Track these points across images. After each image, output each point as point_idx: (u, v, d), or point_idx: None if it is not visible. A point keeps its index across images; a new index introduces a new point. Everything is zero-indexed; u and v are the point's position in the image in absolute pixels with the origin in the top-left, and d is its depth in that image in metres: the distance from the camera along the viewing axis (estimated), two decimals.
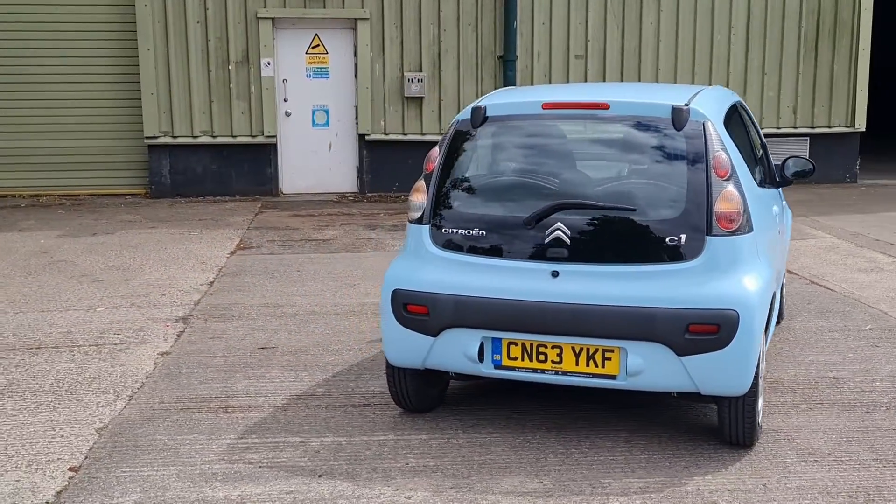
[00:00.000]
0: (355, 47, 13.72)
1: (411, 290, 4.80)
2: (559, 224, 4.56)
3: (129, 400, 5.49)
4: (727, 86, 13.98)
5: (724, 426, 4.57)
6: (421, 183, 4.96)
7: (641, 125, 4.74)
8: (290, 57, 13.78)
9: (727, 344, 4.30)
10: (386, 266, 4.88)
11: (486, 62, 13.78)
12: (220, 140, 13.71)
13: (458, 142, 4.97)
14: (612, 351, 4.45)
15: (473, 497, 4.19)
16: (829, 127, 14.30)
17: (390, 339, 4.90)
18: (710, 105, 4.86)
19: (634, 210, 4.53)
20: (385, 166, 13.91)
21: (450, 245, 4.80)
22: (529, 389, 5.35)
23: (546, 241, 4.58)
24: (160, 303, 7.80)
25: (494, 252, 4.71)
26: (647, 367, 4.39)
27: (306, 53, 13.81)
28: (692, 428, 4.97)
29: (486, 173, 5.00)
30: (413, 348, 4.83)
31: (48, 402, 5.46)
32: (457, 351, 4.69)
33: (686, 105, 4.67)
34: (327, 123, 13.97)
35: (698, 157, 4.54)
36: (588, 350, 4.49)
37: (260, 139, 13.74)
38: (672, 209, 4.51)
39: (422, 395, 5.10)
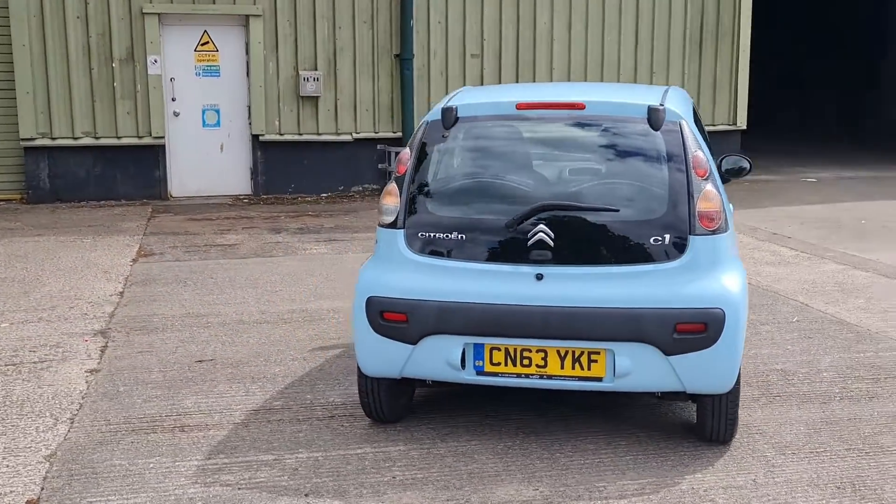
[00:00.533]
0: (247, 45, 13.33)
1: (388, 296, 4.63)
2: (542, 226, 4.47)
3: (71, 423, 5.11)
4: None
5: (706, 424, 4.58)
6: (392, 186, 4.78)
7: (617, 125, 4.70)
8: (179, 54, 13.28)
9: (714, 342, 4.31)
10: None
11: (383, 61, 13.61)
12: (104, 142, 13.08)
13: (429, 143, 4.82)
14: (599, 353, 4.40)
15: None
16: (714, 125, 14.75)
17: (365, 348, 4.71)
18: (680, 105, 4.87)
19: (618, 211, 4.49)
20: (280, 167, 13.58)
21: (427, 249, 4.65)
22: (495, 392, 5.24)
23: (529, 243, 4.48)
24: (70, 316, 7.34)
25: (475, 256, 4.59)
26: (634, 368, 4.36)
27: (195, 51, 13.34)
28: (666, 427, 4.97)
29: (461, 175, 4.86)
30: (390, 357, 4.66)
31: None
32: (437, 358, 4.55)
33: (661, 105, 4.66)
34: (218, 124, 13.53)
35: (677, 157, 4.54)
36: (574, 353, 4.42)
37: (147, 140, 13.18)
38: (654, 209, 4.49)
39: (394, 404, 4.93)
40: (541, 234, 4.47)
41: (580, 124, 4.78)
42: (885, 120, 20.46)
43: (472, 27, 13.79)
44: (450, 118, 4.79)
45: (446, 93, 13.78)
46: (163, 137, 13.21)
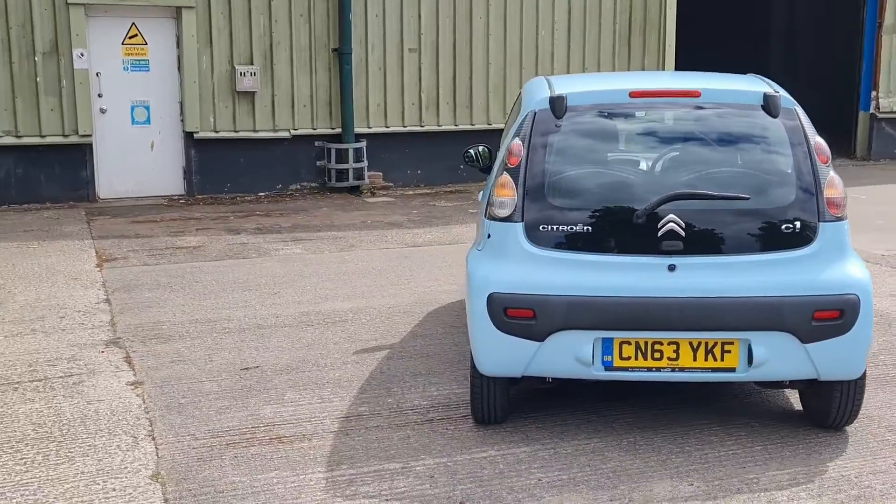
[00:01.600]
0: (179, 38, 12.74)
1: (513, 293, 4.45)
2: (672, 216, 4.38)
3: (154, 440, 4.73)
4: None
5: (832, 410, 4.58)
6: (506, 178, 4.60)
7: (735, 112, 4.66)
8: (105, 48, 12.57)
9: (850, 329, 4.32)
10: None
11: (321, 55, 13.26)
12: (26, 141, 12.26)
13: (541, 133, 4.66)
14: (732, 343, 4.35)
15: None
16: None
17: (487, 347, 4.52)
18: (787, 92, 4.86)
19: (748, 199, 4.45)
20: (215, 166, 13.05)
21: (550, 243, 4.49)
22: (567, 390, 5.09)
23: (659, 234, 4.39)
24: (67, 326, 6.82)
25: (602, 248, 4.47)
26: (770, 356, 4.32)
27: (123, 44, 12.66)
28: (774, 415, 4.97)
29: (579, 165, 4.71)
30: (514, 355, 4.48)
31: (56, 451, 4.58)
32: (566, 355, 4.40)
33: (776, 92, 4.65)
34: (148, 121, 12.89)
35: (800, 144, 4.53)
36: (707, 344, 4.35)
37: (73, 139, 12.43)
38: (783, 197, 4.47)
39: (506, 405, 4.77)
40: (671, 223, 4.38)
41: (697, 111, 4.72)
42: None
43: (409, 21, 13.59)
44: (560, 107, 4.64)
45: (384, 88, 13.60)
46: (90, 136, 12.48)
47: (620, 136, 4.76)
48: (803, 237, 4.40)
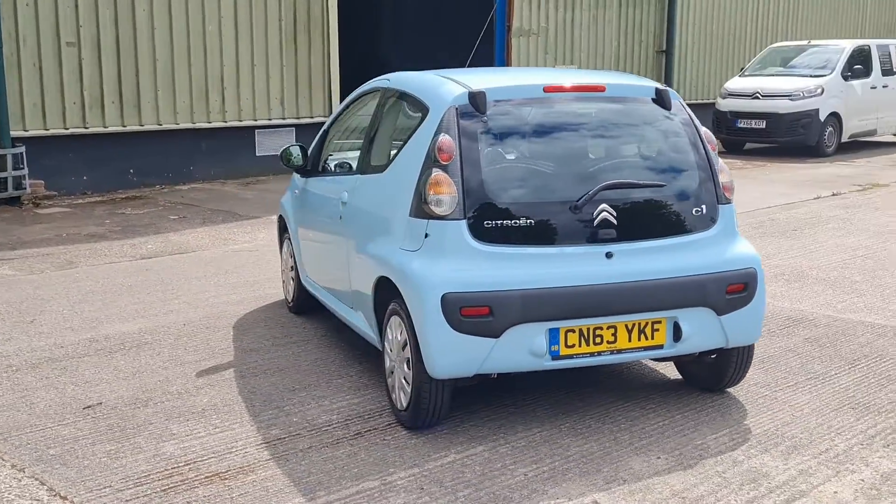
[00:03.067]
0: None
1: (466, 291, 4.36)
2: (604, 205, 4.55)
3: (67, 500, 3.98)
4: (222, 79, 13.91)
5: (728, 374, 5.00)
6: (442, 175, 4.47)
7: (636, 105, 4.92)
8: None
9: (752, 299, 4.78)
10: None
11: None
12: None
13: (468, 128, 4.58)
14: (660, 322, 4.61)
15: (632, 487, 4.06)
16: (312, 118, 15.03)
17: (441, 349, 4.37)
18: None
19: (664, 186, 4.73)
20: None
21: (494, 238, 4.44)
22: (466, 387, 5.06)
23: (595, 223, 4.54)
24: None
25: (545, 240, 4.50)
26: (693, 331, 4.64)
27: None
28: (663, 387, 5.33)
29: (512, 159, 4.68)
30: (470, 355, 4.39)
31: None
32: (520, 349, 4.40)
33: (664, 86, 5.00)
34: None
35: (693, 134, 4.91)
36: (640, 325, 4.58)
37: None
38: (689, 183, 4.80)
39: (449, 407, 4.67)
40: (605, 212, 4.54)
41: (603, 106, 4.91)
42: None
43: (66, 12, 12.39)
44: (483, 102, 4.60)
45: (41, 86, 12.23)
46: None
47: (541, 129, 4.81)
48: (710, 219, 4.77)
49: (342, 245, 5.42)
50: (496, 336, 4.33)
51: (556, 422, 4.77)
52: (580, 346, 4.48)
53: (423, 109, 4.81)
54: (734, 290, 4.67)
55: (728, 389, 5.16)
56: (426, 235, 4.47)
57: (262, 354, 5.93)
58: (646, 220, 4.64)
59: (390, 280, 4.68)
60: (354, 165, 5.67)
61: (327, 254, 5.84)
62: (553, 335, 4.43)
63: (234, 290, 7.53)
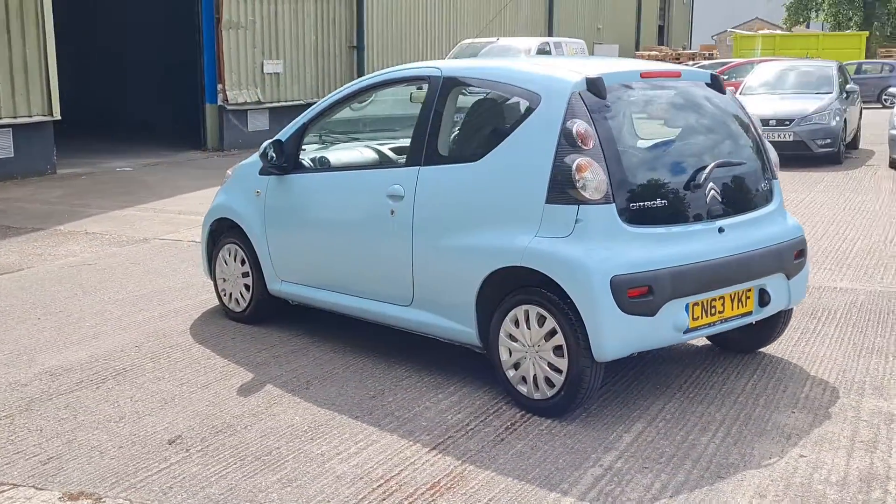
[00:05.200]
0: None
1: (630, 273, 4.48)
2: (712, 183, 4.88)
3: None
4: None
5: (776, 331, 5.49)
6: (589, 159, 4.52)
7: (702, 90, 5.26)
8: None
9: (805, 263, 5.37)
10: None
11: None
12: None
13: (596, 113, 4.65)
14: (750, 290, 5.03)
15: (809, 437, 4.42)
16: (30, 116, 13.57)
17: (612, 331, 4.43)
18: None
19: (745, 164, 5.15)
20: None
21: (637, 219, 4.57)
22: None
23: (707, 200, 4.86)
24: None
25: (675, 219, 4.71)
26: (775, 297, 5.11)
27: None
28: (681, 355, 5.75)
29: (638, 143, 4.82)
30: (633, 335, 4.51)
31: None
32: (667, 325, 4.58)
33: (716, 71, 5.42)
34: None
35: (746, 115, 5.36)
36: (739, 294, 4.97)
37: None
38: (756, 160, 5.22)
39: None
40: (713, 191, 4.88)
41: (684, 90, 5.19)
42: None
43: None
44: (602, 87, 4.70)
45: None
46: None
47: (650, 112, 4.99)
48: (771, 193, 5.26)
49: (396, 241, 5.19)
50: (653, 314, 4.48)
51: (659, 392, 4.98)
52: (702, 318, 4.75)
53: (530, 97, 4.78)
54: (798, 256, 5.19)
55: (761, 349, 5.64)
56: (577, 221, 4.48)
57: (281, 366, 5.50)
58: (737, 196, 5.01)
59: (511, 271, 4.62)
60: (395, 157, 5.43)
61: (351, 252, 5.52)
62: (688, 310, 4.67)
63: (138, 306, 6.80)
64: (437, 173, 5.07)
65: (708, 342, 5.71)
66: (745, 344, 5.59)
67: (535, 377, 4.66)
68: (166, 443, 4.43)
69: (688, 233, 4.69)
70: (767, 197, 5.19)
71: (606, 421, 4.61)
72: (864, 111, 18.28)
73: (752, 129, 5.30)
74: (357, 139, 6.84)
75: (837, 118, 14.40)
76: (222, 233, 6.49)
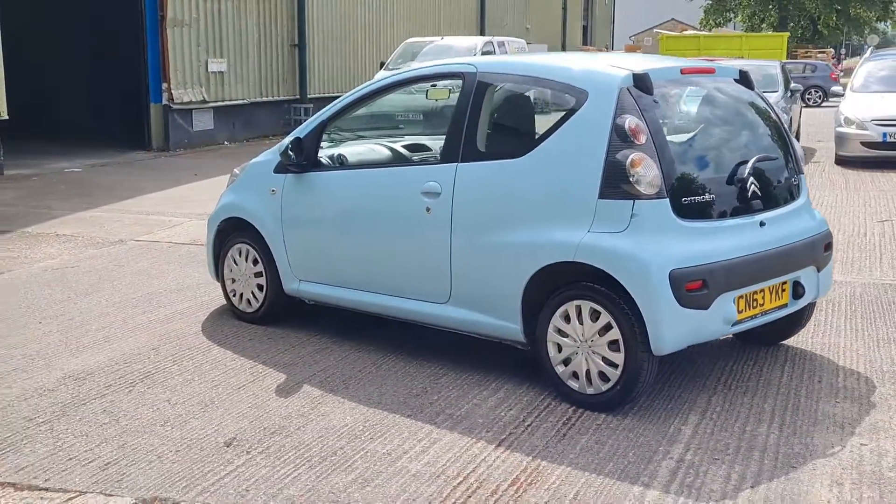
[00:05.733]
0: None
1: (687, 267, 4.54)
2: (752, 178, 4.97)
3: None
4: None
5: (801, 323, 5.56)
6: (641, 155, 4.55)
7: (732, 86, 5.34)
8: None
9: (831, 256, 5.49)
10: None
11: None
12: None
13: (646, 109, 4.69)
14: (786, 283, 5.15)
15: (865, 425, 4.56)
16: None
17: (670, 324, 4.48)
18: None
19: (777, 158, 5.26)
20: None
21: (688, 214, 4.63)
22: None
23: (749, 194, 4.95)
24: None
25: (722, 213, 4.78)
26: (808, 289, 5.23)
27: None
28: (710, 350, 5.85)
29: (684, 138, 4.86)
30: (688, 328, 4.56)
31: None
32: (718, 318, 4.64)
33: (740, 68, 5.52)
34: None
35: (773, 111, 5.49)
36: (776, 287, 5.06)
37: None
38: (786, 154, 5.33)
39: None
40: (753, 185, 4.97)
41: (719, 86, 5.27)
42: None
43: None
44: (649, 83, 4.75)
45: None
46: None
47: (690, 108, 5.06)
48: (800, 188, 5.38)
49: (432, 238, 5.17)
50: (706, 308, 4.55)
51: (700, 385, 5.06)
52: (745, 311, 4.84)
53: (576, 92, 4.80)
54: (826, 248, 5.32)
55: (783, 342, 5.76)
56: (632, 215, 4.52)
57: (309, 366, 5.42)
58: (773, 190, 5.10)
59: (561, 266, 4.65)
60: (429, 154, 5.41)
61: (382, 250, 5.47)
62: (734, 303, 4.75)
63: (138, 308, 6.66)
64: (478, 170, 5.05)
65: (729, 335, 5.80)
66: (770, 336, 5.68)
67: (587, 372, 4.68)
68: (223, 445, 4.34)
69: (734, 226, 4.77)
70: (797, 191, 5.31)
71: (659, 414, 4.65)
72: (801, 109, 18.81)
73: (781, 124, 5.41)
74: (363, 136, 6.77)
75: (785, 115, 14.76)
76: (229, 233, 6.36)
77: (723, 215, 4.77)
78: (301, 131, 5.86)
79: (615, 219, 4.54)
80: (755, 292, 4.82)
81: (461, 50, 19.04)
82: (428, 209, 5.16)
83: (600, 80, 4.76)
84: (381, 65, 19.56)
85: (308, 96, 20.38)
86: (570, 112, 4.80)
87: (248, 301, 6.25)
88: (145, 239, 9.06)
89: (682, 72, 5.04)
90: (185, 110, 17.14)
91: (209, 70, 17.62)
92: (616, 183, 4.54)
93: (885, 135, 13.77)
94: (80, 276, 7.58)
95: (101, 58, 20.42)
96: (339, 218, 5.69)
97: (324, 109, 5.91)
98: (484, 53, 18.91)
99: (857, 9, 48.71)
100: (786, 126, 5.48)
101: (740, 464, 4.09)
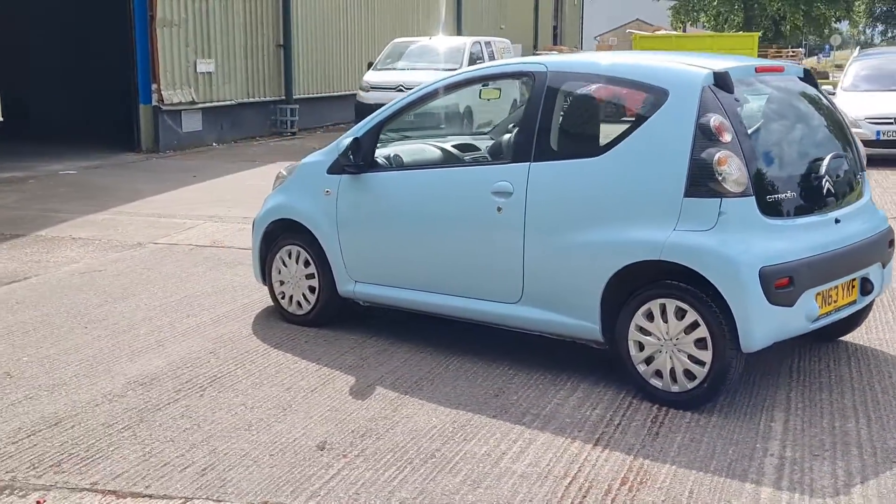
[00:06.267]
0: None
1: (775, 264, 4.56)
2: (826, 175, 5.02)
3: None
4: None
5: (862, 319, 5.63)
6: (727, 153, 4.56)
7: (799, 84, 5.38)
8: None
9: (894, 252, 5.53)
10: None
11: None
12: None
13: (729, 107, 4.69)
14: (855, 279, 5.18)
15: None
16: None
17: (760, 322, 4.50)
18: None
19: (846, 156, 5.30)
20: None
21: (772, 211, 4.66)
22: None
23: (824, 191, 4.99)
24: None
25: (803, 210, 4.81)
26: (875, 284, 5.26)
27: None
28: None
29: (768, 137, 4.88)
30: (776, 325, 4.59)
31: None
32: (801, 315, 4.66)
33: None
34: None
35: (835, 109, 5.53)
36: (847, 283, 5.09)
37: None
38: (850, 151, 5.38)
39: None
40: (828, 183, 5.01)
41: (787, 85, 5.30)
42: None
43: None
44: (730, 82, 4.76)
45: None
46: None
47: (770, 107, 5.07)
48: (864, 185, 5.43)
49: (504, 238, 5.15)
50: (792, 305, 4.57)
51: (772, 381, 5.09)
52: (822, 307, 4.87)
53: (655, 91, 4.81)
54: (890, 245, 5.37)
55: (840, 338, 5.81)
56: (720, 213, 4.53)
57: (375, 368, 5.38)
58: (844, 187, 5.14)
59: (645, 265, 4.65)
60: (499, 153, 5.39)
61: (448, 250, 5.44)
62: (815, 299, 4.78)
63: (182, 311, 6.59)
64: (552, 169, 5.04)
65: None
66: (832, 332, 5.70)
67: (671, 370, 4.68)
68: (315, 449, 4.28)
69: (813, 224, 4.81)
70: (862, 187, 5.35)
71: (744, 411, 4.67)
72: None
73: (844, 122, 5.45)
74: (408, 136, 6.73)
75: None
76: (276, 235, 6.30)
77: (803, 212, 4.80)
78: (357, 131, 5.81)
79: (702, 217, 4.55)
80: (831, 289, 4.84)
81: (449, 50, 19.07)
82: (499, 209, 5.14)
83: (682, 78, 4.77)
84: (369, 65, 19.49)
85: (294, 97, 20.23)
86: (651, 111, 4.80)
87: (299, 303, 6.19)
88: (163, 242, 8.95)
89: (756, 70, 5.06)
90: (175, 111, 16.94)
91: (198, 71, 17.44)
92: (703, 181, 4.55)
93: (878, 133, 13.96)
94: (110, 279, 7.46)
95: (88, 58, 20.14)
96: (401, 218, 5.64)
97: (380, 109, 5.87)
98: (472, 53, 18.93)
99: (820, 9, 49.34)
100: (847, 124, 5.52)
101: (841, 459, 4.11)
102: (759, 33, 37.59)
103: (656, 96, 4.78)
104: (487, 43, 20.15)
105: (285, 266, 6.23)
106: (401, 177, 5.73)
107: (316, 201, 5.98)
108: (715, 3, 50.70)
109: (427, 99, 5.75)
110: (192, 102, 17.32)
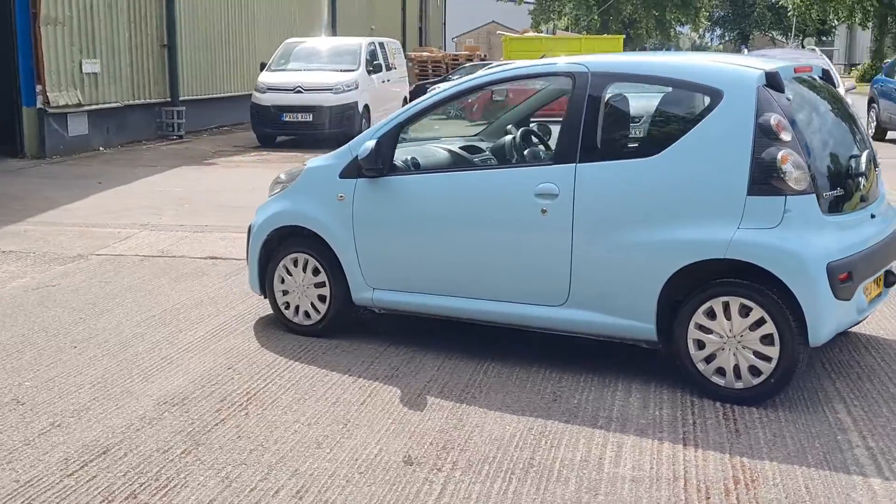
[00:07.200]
0: None
1: (839, 259, 4.65)
2: (864, 171, 5.15)
3: None
4: None
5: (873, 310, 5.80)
6: (789, 151, 4.62)
7: (827, 84, 5.52)
8: None
9: None
10: None
11: None
12: None
13: (784, 107, 4.72)
14: (881, 272, 5.35)
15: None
16: None
17: (827, 316, 4.58)
18: None
19: (870, 151, 5.44)
20: None
21: (828, 208, 4.76)
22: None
23: (862, 187, 5.13)
24: None
25: (851, 205, 4.91)
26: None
27: None
28: None
29: (819, 135, 4.92)
30: (838, 319, 4.69)
31: None
32: (854, 307, 4.77)
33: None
34: None
35: (849, 106, 5.69)
36: (878, 277, 5.27)
37: None
38: (871, 148, 5.53)
39: None
40: (864, 178, 5.15)
41: (819, 84, 5.38)
42: None
43: None
44: (781, 82, 4.82)
45: None
46: None
47: (813, 105, 5.14)
48: (880, 180, 5.61)
49: (550, 240, 5.07)
50: (850, 298, 4.68)
51: (810, 373, 5.17)
52: (867, 299, 5.01)
53: (708, 91, 4.82)
54: None
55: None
56: (785, 211, 4.59)
57: (412, 377, 5.21)
58: (873, 183, 5.30)
59: (705, 264, 4.66)
60: (542, 154, 5.31)
61: (486, 254, 5.30)
62: (863, 292, 4.91)
63: (171, 326, 6.24)
64: (601, 170, 4.99)
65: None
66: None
67: (735, 367, 4.70)
68: (403, 465, 4.09)
69: (858, 219, 4.93)
70: (880, 183, 5.52)
71: (804, 405, 4.74)
72: None
73: (858, 119, 5.62)
74: (417, 139, 6.55)
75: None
76: (278, 243, 6.03)
77: (851, 208, 4.91)
78: (375, 134, 5.60)
79: (767, 215, 4.58)
80: (870, 283, 4.97)
81: (346, 51, 18.78)
82: (544, 211, 5.04)
83: (736, 78, 4.79)
84: (262, 66, 18.98)
85: (180, 98, 19.51)
86: (705, 111, 4.82)
87: (306, 313, 5.93)
88: (106, 253, 8.44)
89: (795, 70, 5.14)
90: (61, 114, 16.05)
91: (83, 71, 16.58)
92: (765, 180, 4.58)
93: None
94: (70, 295, 6.98)
95: None
96: (430, 222, 5.47)
97: (400, 111, 5.68)
98: (369, 53, 18.71)
99: (673, 13, 51.31)
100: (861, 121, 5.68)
101: None
102: (623, 36, 38.76)
103: (711, 96, 4.79)
104: (381, 44, 19.98)
105: (290, 275, 5.95)
106: (428, 179, 5.55)
107: (328, 207, 5.74)
108: (570, 6, 51.94)
109: (448, 101, 5.59)
110: (79, 105, 16.47)
